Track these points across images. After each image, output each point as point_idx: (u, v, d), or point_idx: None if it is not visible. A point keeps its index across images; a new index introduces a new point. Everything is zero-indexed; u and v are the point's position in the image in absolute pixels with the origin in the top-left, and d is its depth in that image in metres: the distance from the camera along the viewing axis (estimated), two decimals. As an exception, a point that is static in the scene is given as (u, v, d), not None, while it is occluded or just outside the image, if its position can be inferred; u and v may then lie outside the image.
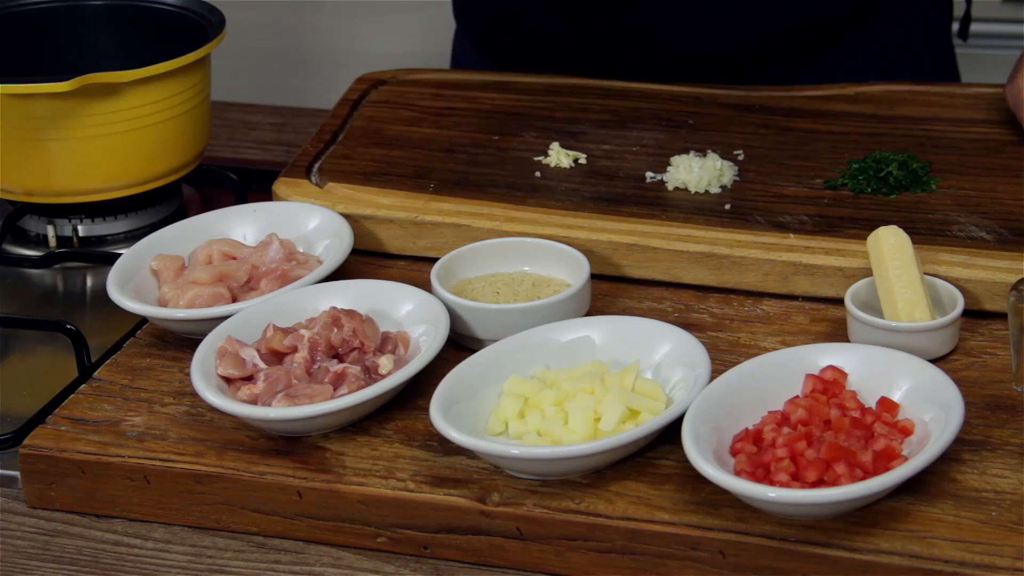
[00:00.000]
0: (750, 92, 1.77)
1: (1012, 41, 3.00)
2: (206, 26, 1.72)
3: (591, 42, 1.82)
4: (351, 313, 1.39)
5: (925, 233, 1.50)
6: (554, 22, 1.83)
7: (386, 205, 1.59)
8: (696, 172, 1.60)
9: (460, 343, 1.44)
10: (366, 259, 1.58)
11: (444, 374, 1.33)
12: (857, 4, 1.81)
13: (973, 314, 1.44)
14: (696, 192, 1.59)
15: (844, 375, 1.31)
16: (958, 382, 1.28)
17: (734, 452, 1.25)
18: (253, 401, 1.34)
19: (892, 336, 1.37)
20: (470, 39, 1.95)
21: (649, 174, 1.62)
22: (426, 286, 1.45)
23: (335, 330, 1.38)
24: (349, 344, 1.38)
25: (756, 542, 1.22)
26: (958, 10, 1.98)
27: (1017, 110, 1.63)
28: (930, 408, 1.26)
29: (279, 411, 1.31)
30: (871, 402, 1.30)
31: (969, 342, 1.42)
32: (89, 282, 1.66)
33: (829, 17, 1.82)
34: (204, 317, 1.44)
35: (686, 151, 1.65)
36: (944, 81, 1.84)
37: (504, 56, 1.90)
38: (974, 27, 2.00)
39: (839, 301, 1.46)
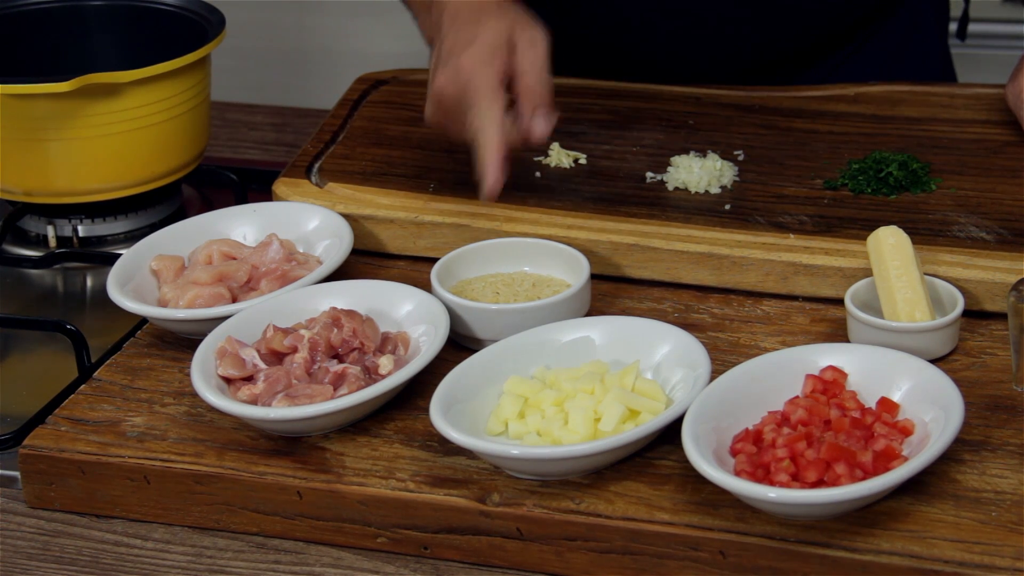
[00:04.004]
0: (750, 92, 1.77)
1: (1011, 41, 3.00)
2: (206, 26, 1.72)
3: (592, 44, 1.82)
4: (351, 313, 1.39)
5: (925, 233, 1.50)
6: (554, 23, 1.83)
7: (386, 205, 1.59)
8: (696, 172, 1.60)
9: (460, 343, 1.44)
10: (366, 259, 1.58)
11: (444, 374, 1.33)
12: (866, 9, 1.81)
13: (973, 314, 1.44)
14: (696, 192, 1.59)
15: (844, 375, 1.31)
16: (958, 382, 1.28)
17: (734, 452, 1.25)
18: (253, 401, 1.34)
19: (892, 336, 1.37)
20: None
21: (649, 174, 1.62)
22: (426, 286, 1.45)
23: (335, 330, 1.38)
24: (349, 344, 1.38)
25: (756, 542, 1.22)
26: (956, 10, 1.98)
27: (1017, 110, 1.63)
28: (930, 408, 1.26)
29: (279, 411, 1.31)
30: (871, 402, 1.30)
31: (969, 342, 1.42)
32: (89, 282, 1.66)
33: (837, 23, 1.82)
34: (204, 317, 1.44)
35: (686, 151, 1.65)
36: (943, 81, 1.84)
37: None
38: (973, 27, 2.00)
39: (839, 301, 1.46)
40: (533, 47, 1.49)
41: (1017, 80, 1.63)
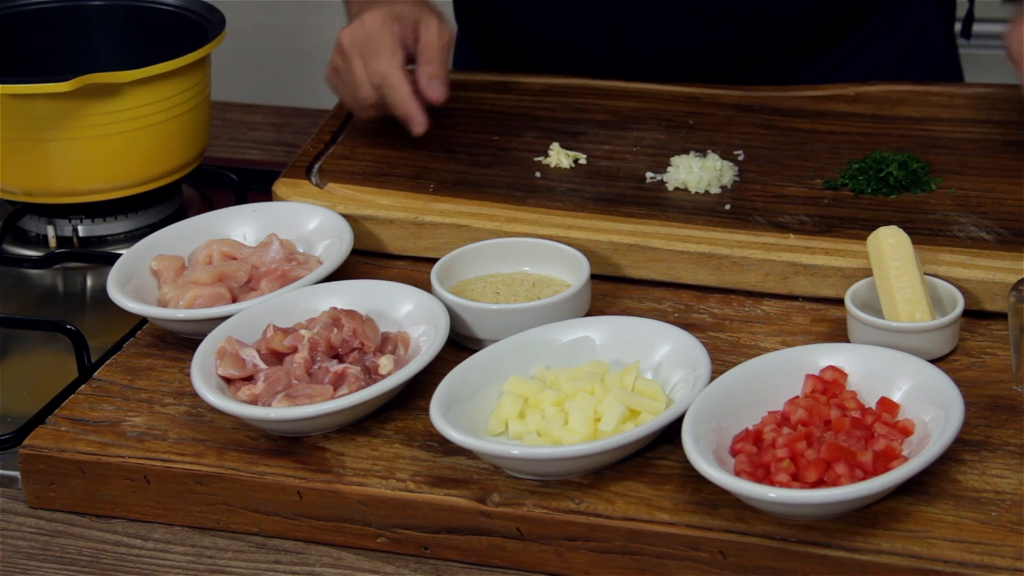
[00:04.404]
0: (750, 92, 1.77)
1: (1012, 41, 2.99)
2: (206, 26, 1.72)
3: (590, 41, 1.82)
4: (351, 313, 1.39)
5: (925, 233, 1.50)
6: (553, 23, 1.83)
7: (386, 206, 1.59)
8: (696, 172, 1.60)
9: (460, 343, 1.44)
10: (366, 259, 1.58)
11: (444, 374, 1.33)
12: (858, 3, 1.81)
13: (973, 314, 1.44)
14: (696, 192, 1.59)
15: (844, 375, 1.31)
16: (958, 382, 1.28)
17: (734, 452, 1.25)
18: (253, 401, 1.34)
19: (892, 336, 1.37)
20: (470, 42, 1.95)
21: (649, 174, 1.62)
22: (426, 286, 1.45)
23: (335, 330, 1.38)
24: (349, 344, 1.38)
25: (756, 542, 1.22)
26: (961, 9, 1.97)
27: (1018, 59, 1.58)
28: (930, 408, 1.26)
29: (279, 411, 1.31)
30: (871, 402, 1.29)
31: (969, 342, 1.42)
32: (89, 282, 1.66)
33: (830, 17, 1.81)
34: (204, 317, 1.44)
35: (686, 151, 1.65)
36: (946, 80, 1.84)
37: (504, 59, 1.90)
38: (975, 27, 2.00)
39: (839, 301, 1.46)
40: (439, 31, 1.64)
41: (1018, 26, 1.59)
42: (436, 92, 1.62)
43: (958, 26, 1.97)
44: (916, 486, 1.24)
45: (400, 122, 1.63)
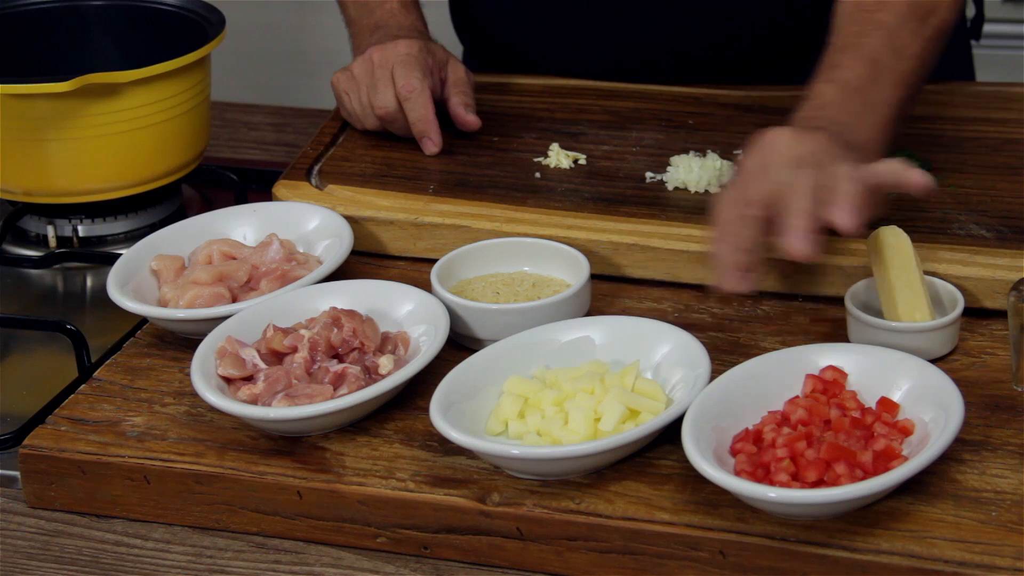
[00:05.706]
0: (750, 92, 1.77)
1: (1013, 41, 3.00)
2: (206, 26, 1.72)
3: (588, 45, 1.82)
4: (351, 313, 1.39)
5: (925, 231, 1.50)
6: (550, 28, 1.83)
7: (386, 207, 1.59)
8: (696, 172, 1.60)
9: (460, 343, 1.44)
10: (366, 259, 1.58)
11: (444, 374, 1.33)
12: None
13: (973, 312, 1.44)
14: (696, 192, 1.59)
15: (844, 375, 1.31)
16: (958, 382, 1.28)
17: (734, 452, 1.25)
18: (253, 401, 1.34)
19: (892, 336, 1.37)
20: (467, 50, 1.95)
21: (649, 174, 1.62)
22: (426, 286, 1.45)
23: (335, 330, 1.38)
24: (349, 344, 1.38)
25: (756, 542, 1.22)
26: (969, 10, 1.97)
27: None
28: (930, 408, 1.26)
29: (279, 411, 1.31)
30: (871, 402, 1.29)
31: (969, 342, 1.42)
32: (89, 282, 1.66)
33: (831, 16, 1.81)
34: (204, 317, 1.44)
35: (686, 151, 1.65)
36: (950, 79, 1.84)
37: (503, 65, 1.90)
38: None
39: (839, 301, 1.46)
40: (468, 72, 1.72)
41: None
42: (474, 118, 1.69)
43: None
44: (916, 486, 1.24)
45: (416, 137, 1.67)
